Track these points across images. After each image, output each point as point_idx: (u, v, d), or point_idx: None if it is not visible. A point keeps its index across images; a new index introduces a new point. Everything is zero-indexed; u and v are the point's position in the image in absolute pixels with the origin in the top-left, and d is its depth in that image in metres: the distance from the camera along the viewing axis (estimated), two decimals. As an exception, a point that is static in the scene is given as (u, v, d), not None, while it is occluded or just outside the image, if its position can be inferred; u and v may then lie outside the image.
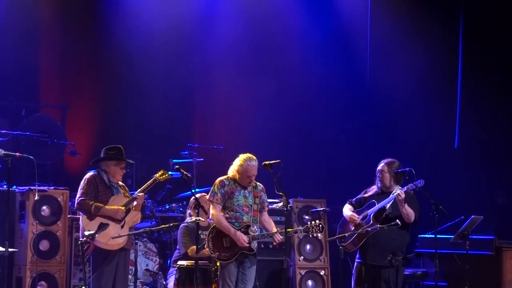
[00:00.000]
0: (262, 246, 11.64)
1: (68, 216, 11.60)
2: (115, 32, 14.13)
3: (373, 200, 10.32)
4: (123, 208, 9.92)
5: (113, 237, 9.75)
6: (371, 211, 10.24)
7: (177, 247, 11.25)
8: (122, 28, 14.14)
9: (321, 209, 12.34)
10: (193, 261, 9.89)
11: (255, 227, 9.92)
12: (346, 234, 10.19)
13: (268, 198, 10.32)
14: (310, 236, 12.01)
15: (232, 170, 9.97)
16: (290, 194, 10.86)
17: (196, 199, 10.10)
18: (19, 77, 13.70)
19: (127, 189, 10.34)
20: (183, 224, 11.02)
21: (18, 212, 11.50)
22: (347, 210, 10.44)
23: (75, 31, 14.04)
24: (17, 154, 9.50)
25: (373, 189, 10.48)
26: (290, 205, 10.12)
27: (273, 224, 10.14)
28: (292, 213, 12.17)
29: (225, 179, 9.96)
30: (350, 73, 14.84)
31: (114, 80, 14.26)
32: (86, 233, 9.68)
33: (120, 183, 10.20)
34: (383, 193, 10.32)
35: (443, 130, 14.27)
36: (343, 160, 14.50)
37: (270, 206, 10.58)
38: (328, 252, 12.49)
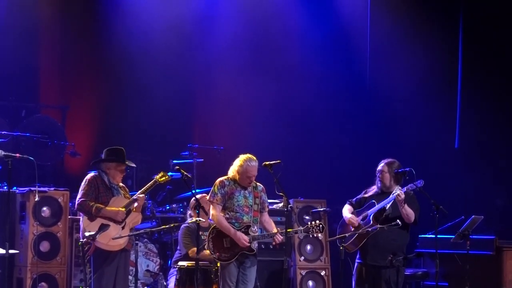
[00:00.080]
0: (263, 246, 11.64)
1: (69, 217, 11.59)
2: (115, 32, 14.12)
3: (373, 201, 10.32)
4: (123, 209, 9.92)
5: (113, 238, 9.75)
6: (371, 211, 10.24)
7: (178, 247, 11.25)
8: (122, 28, 14.14)
9: (322, 209, 12.34)
10: (194, 262, 9.89)
11: (255, 227, 9.93)
12: (347, 235, 10.19)
13: (269, 198, 10.33)
14: (311, 236, 12.02)
15: (232, 171, 9.98)
16: (290, 194, 10.86)
17: (196, 199, 10.10)
18: (19, 77, 13.69)
19: (127, 190, 10.34)
20: (183, 225, 11.01)
21: (18, 213, 11.49)
22: (347, 211, 10.44)
23: (75, 31, 14.04)
24: (17, 155, 9.47)
25: (373, 189, 10.48)
26: (291, 205, 10.13)
27: (273, 224, 10.14)
28: (293, 213, 12.17)
29: (225, 179, 9.97)
30: (350, 73, 14.84)
31: (114, 81, 14.26)
32: (87, 234, 9.68)
33: (121, 184, 10.20)
34: (383, 193, 10.33)
35: (443, 130, 14.26)
36: (343, 161, 14.50)
37: (270, 207, 10.59)
38: (328, 253, 12.49)
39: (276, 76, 14.75)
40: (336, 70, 14.75)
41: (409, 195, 10.20)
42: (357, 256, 10.40)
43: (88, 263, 9.87)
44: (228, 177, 9.98)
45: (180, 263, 10.54)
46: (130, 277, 10.73)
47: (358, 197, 10.56)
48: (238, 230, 9.78)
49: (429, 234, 11.99)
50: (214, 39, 14.65)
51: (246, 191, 9.95)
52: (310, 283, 12.41)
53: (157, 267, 12.31)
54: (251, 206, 9.92)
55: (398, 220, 9.98)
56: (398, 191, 10.08)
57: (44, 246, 11.40)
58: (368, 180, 10.67)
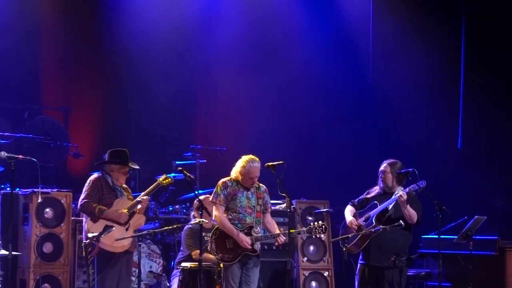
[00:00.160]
0: (266, 247, 11.63)
1: (72, 218, 11.60)
2: (117, 33, 14.13)
3: (375, 201, 10.31)
4: (126, 211, 9.91)
5: (117, 239, 9.75)
6: (374, 212, 10.23)
7: (181, 248, 11.25)
8: (124, 29, 14.15)
9: (324, 210, 12.32)
10: (197, 263, 9.89)
11: (258, 228, 9.92)
12: (350, 235, 10.19)
13: (271, 199, 10.32)
14: (314, 237, 12.01)
15: (235, 172, 9.98)
16: (293, 195, 10.85)
17: (199, 200, 10.10)
18: (21, 79, 13.71)
19: (130, 191, 10.34)
20: (187, 226, 11.02)
21: (21, 214, 11.49)
22: (348, 213, 10.42)
23: (76, 33, 14.04)
24: (20, 156, 9.49)
25: (375, 190, 10.48)
26: (293, 206, 10.13)
27: (276, 225, 10.14)
28: (295, 214, 12.16)
29: (228, 180, 9.97)
30: (352, 74, 14.84)
31: (116, 82, 14.27)
32: (90, 235, 9.67)
33: (124, 185, 10.20)
34: (386, 194, 10.32)
35: (445, 130, 14.26)
36: (345, 161, 14.50)
37: (273, 207, 10.59)
38: (331, 253, 12.48)
39: (277, 76, 14.75)
40: (338, 70, 14.75)
41: (411, 195, 10.19)
42: (360, 257, 10.39)
43: (91, 264, 9.87)
44: (230, 178, 9.98)
45: (183, 264, 10.54)
46: (133, 278, 10.74)
47: (360, 198, 10.55)
48: (241, 231, 9.78)
49: (432, 235, 11.99)
50: (216, 39, 14.66)
51: (249, 192, 9.94)
52: (313, 283, 12.41)
53: (160, 268, 12.31)
54: (254, 207, 9.92)
55: (401, 221, 9.97)
56: (400, 192, 10.07)
57: (47, 247, 11.40)
58: (370, 180, 10.66)
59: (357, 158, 14.30)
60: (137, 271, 10.80)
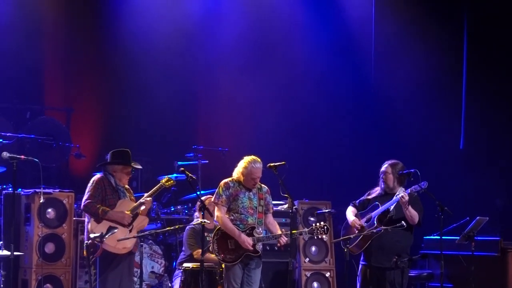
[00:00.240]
0: (268, 248, 11.62)
1: (74, 218, 11.59)
2: (119, 34, 14.15)
3: (377, 202, 10.30)
4: (129, 213, 9.91)
5: (118, 240, 9.74)
6: (375, 213, 10.22)
7: (183, 249, 11.25)
8: (126, 30, 14.16)
9: (326, 210, 12.33)
10: (199, 263, 9.89)
11: (260, 229, 9.92)
12: (351, 236, 10.18)
13: (273, 200, 10.32)
14: (315, 238, 11.99)
15: (237, 172, 9.97)
16: (295, 196, 10.86)
17: (201, 201, 10.10)
18: (23, 80, 13.72)
19: (132, 192, 10.33)
20: (189, 226, 11.03)
21: (23, 215, 11.49)
22: (350, 214, 10.42)
23: (79, 34, 14.06)
24: (22, 156, 9.49)
25: (376, 191, 10.46)
26: (295, 206, 10.12)
27: (277, 226, 10.14)
28: (297, 215, 12.15)
29: (229, 181, 9.97)
30: (353, 74, 14.84)
31: (118, 83, 14.28)
32: (92, 235, 9.67)
33: (126, 186, 10.20)
34: (387, 195, 10.30)
35: (447, 131, 14.26)
36: (347, 162, 14.50)
37: (275, 208, 10.58)
38: (333, 254, 12.47)
39: (279, 76, 14.76)
40: (339, 70, 14.76)
41: (413, 196, 10.18)
42: (361, 258, 10.38)
43: (93, 265, 9.87)
44: (232, 179, 9.98)
45: (185, 264, 10.55)
46: (135, 279, 10.73)
47: (361, 198, 10.54)
48: (243, 231, 9.78)
49: (434, 236, 11.98)
50: (217, 39, 14.67)
51: (251, 193, 9.94)
52: (315, 284, 12.40)
53: (162, 268, 12.31)
54: (256, 207, 9.92)
55: (402, 222, 9.97)
56: (401, 193, 10.06)
57: (49, 247, 11.40)
58: (371, 181, 10.65)
59: (359, 159, 14.30)
60: (139, 271, 10.79)
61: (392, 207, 10.15)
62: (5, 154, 9.36)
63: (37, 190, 11.19)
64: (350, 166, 14.36)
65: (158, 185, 10.20)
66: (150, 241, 12.28)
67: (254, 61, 14.67)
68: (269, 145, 13.68)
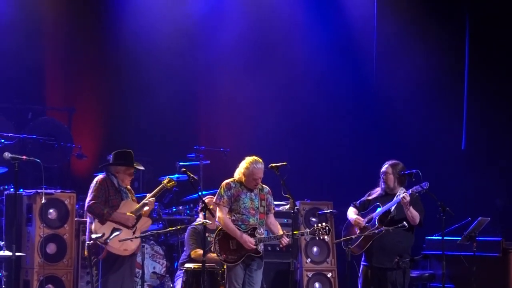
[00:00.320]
0: (269, 248, 11.63)
1: (75, 219, 11.59)
2: (121, 35, 14.14)
3: (378, 203, 10.30)
4: (133, 215, 9.91)
5: (120, 240, 9.73)
6: (376, 214, 10.22)
7: (184, 249, 11.25)
8: (128, 31, 14.15)
9: (328, 211, 12.33)
10: (200, 264, 9.89)
11: (262, 229, 9.92)
12: (353, 237, 10.18)
13: (275, 200, 10.33)
14: (317, 238, 11.99)
15: (238, 173, 9.97)
16: (296, 196, 10.85)
17: (203, 201, 10.10)
18: (25, 80, 13.72)
19: (133, 192, 10.33)
20: (190, 226, 11.03)
21: (25, 215, 11.49)
22: (352, 213, 10.42)
23: (80, 34, 14.06)
24: (24, 157, 9.50)
25: (376, 191, 10.47)
26: (297, 207, 10.12)
27: (279, 226, 10.14)
28: (299, 215, 12.16)
29: (231, 181, 9.97)
30: (354, 74, 14.83)
31: (120, 83, 14.27)
32: (94, 236, 9.66)
33: (128, 186, 10.19)
34: (387, 195, 10.31)
35: (447, 131, 14.26)
36: (348, 162, 14.49)
37: (276, 208, 10.58)
38: (335, 254, 12.47)
39: (281, 77, 14.75)
40: (340, 70, 14.75)
41: (414, 197, 10.18)
42: (363, 259, 10.38)
43: (95, 265, 9.86)
44: (234, 179, 9.98)
45: (187, 265, 10.54)
46: (136, 279, 10.73)
47: (362, 199, 10.55)
48: (244, 232, 9.78)
49: (435, 236, 11.98)
50: (219, 39, 14.66)
51: (252, 193, 9.94)
52: (317, 285, 12.40)
53: (164, 269, 12.31)
54: (257, 208, 9.92)
55: (404, 222, 9.97)
56: (403, 194, 10.06)
57: (51, 248, 11.40)
58: (372, 181, 10.66)
59: (359, 159, 14.30)
60: (140, 272, 10.80)
61: (393, 208, 10.15)
62: (7, 154, 9.37)
63: (38, 190, 11.18)
64: (351, 166, 14.35)
65: (160, 186, 10.20)
66: (152, 241, 12.28)
67: (255, 61, 14.66)
68: (270, 146, 13.67)
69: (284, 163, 9.93)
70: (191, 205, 12.83)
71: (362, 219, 10.28)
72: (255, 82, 14.59)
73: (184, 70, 14.47)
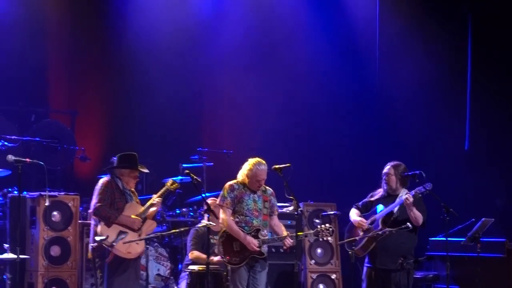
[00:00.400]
0: (273, 250, 11.62)
1: (79, 221, 11.59)
2: (124, 35, 14.14)
3: (380, 204, 10.29)
4: (139, 218, 9.91)
5: (124, 242, 9.73)
6: (379, 215, 10.21)
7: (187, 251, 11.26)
8: (131, 31, 14.16)
9: (332, 212, 12.32)
10: (205, 266, 9.90)
11: (265, 231, 9.92)
12: (357, 238, 10.17)
13: (279, 202, 10.32)
14: (321, 240, 11.98)
15: (242, 175, 9.98)
16: (299, 197, 10.82)
17: (206, 203, 10.10)
18: (28, 82, 13.72)
19: (137, 194, 10.34)
20: (193, 228, 11.04)
21: (29, 218, 11.49)
22: (354, 215, 10.41)
23: (83, 34, 14.06)
24: (27, 160, 9.49)
25: (379, 193, 10.45)
26: (301, 208, 10.12)
27: (283, 228, 10.14)
28: (303, 216, 12.14)
29: (234, 183, 9.97)
30: (357, 75, 14.83)
31: (123, 85, 14.28)
32: (98, 238, 9.66)
33: (132, 189, 10.19)
34: (389, 196, 10.30)
35: (449, 131, 14.25)
36: (351, 163, 14.48)
37: (280, 210, 10.59)
38: (339, 256, 12.47)
39: (283, 78, 14.75)
40: (343, 71, 14.74)
41: (417, 197, 10.17)
42: (366, 260, 10.37)
43: (100, 268, 9.86)
44: (237, 181, 9.99)
45: (191, 267, 10.54)
46: (141, 282, 10.73)
47: (364, 200, 10.54)
48: (248, 233, 9.78)
49: (439, 237, 11.97)
50: (221, 40, 14.66)
51: (256, 195, 9.95)
52: (321, 286, 12.39)
53: (168, 271, 12.30)
54: (261, 210, 9.92)
55: (408, 223, 9.96)
56: (406, 195, 10.05)
57: (55, 250, 11.40)
58: (374, 182, 10.65)
59: (362, 160, 14.29)
60: (144, 274, 10.80)
61: (396, 209, 10.14)
62: (10, 157, 9.37)
63: (42, 193, 11.18)
64: (352, 167, 14.35)
65: (164, 188, 10.21)
66: (156, 243, 12.27)
67: (257, 62, 14.66)
68: (274, 147, 13.66)
69: (288, 164, 9.92)
70: (195, 207, 12.84)
71: (365, 221, 10.27)
72: (257, 82, 14.59)
73: (187, 72, 14.47)
